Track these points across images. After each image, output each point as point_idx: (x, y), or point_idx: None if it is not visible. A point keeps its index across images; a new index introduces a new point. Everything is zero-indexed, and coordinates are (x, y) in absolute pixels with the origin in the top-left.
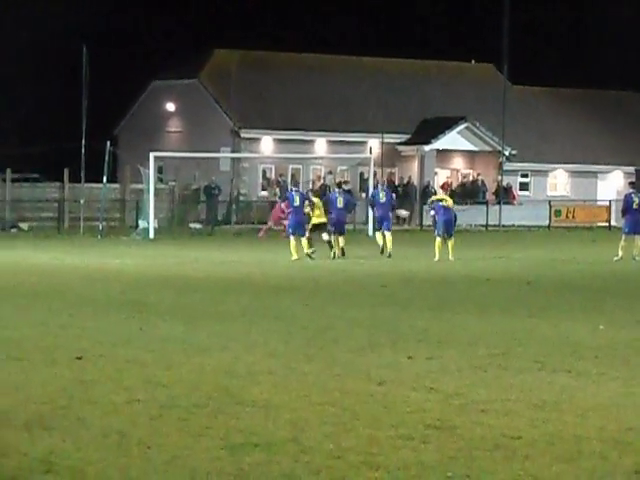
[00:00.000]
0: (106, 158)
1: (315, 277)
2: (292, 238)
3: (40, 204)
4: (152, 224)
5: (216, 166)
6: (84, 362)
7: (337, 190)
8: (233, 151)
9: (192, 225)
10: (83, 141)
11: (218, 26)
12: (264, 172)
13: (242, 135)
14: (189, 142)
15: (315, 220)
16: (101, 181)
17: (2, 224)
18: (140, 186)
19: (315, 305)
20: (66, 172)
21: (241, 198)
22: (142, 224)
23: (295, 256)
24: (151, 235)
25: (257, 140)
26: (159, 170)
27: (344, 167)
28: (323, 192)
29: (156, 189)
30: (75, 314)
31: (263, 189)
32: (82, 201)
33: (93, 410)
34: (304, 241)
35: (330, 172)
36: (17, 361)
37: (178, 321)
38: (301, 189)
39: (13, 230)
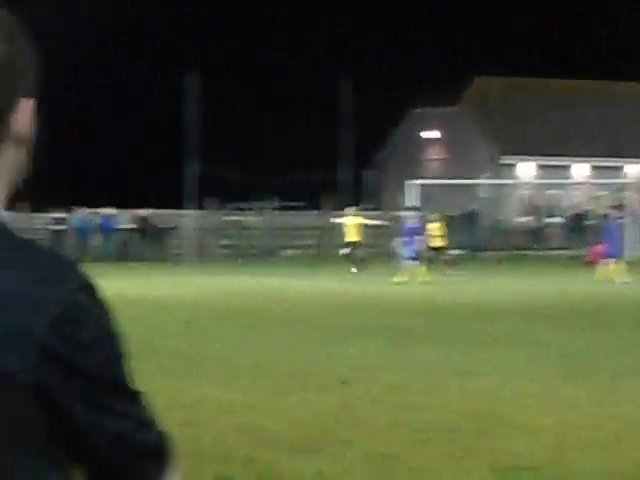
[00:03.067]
0: (366, 185)
1: (572, 302)
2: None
3: (302, 232)
4: None
5: (476, 192)
6: (349, 386)
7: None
8: (493, 177)
9: (451, 252)
10: (344, 169)
11: (478, 52)
12: (524, 198)
13: (502, 161)
14: (449, 169)
15: (434, 244)
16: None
17: (267, 251)
18: (400, 213)
19: (572, 331)
20: (325, 200)
21: (501, 224)
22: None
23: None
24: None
25: (517, 166)
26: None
27: (604, 192)
28: (581, 218)
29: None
30: (339, 340)
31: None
32: None
33: (358, 433)
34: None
35: (597, 197)
36: (284, 385)
37: (439, 346)
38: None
39: (276, 257)
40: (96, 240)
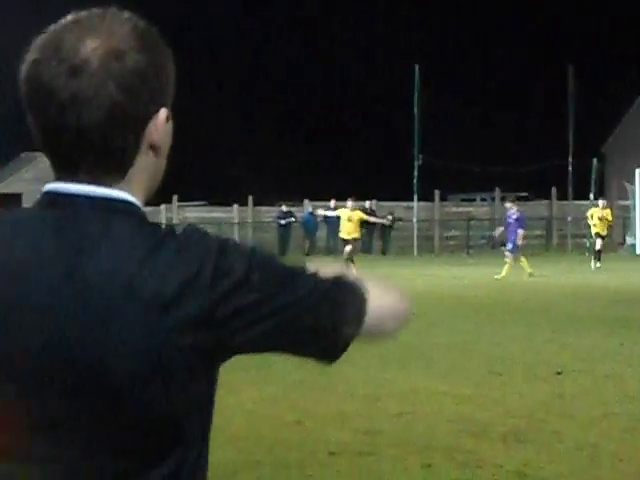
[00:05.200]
0: (592, 175)
1: None
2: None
3: (528, 222)
4: (639, 240)
5: None
6: (563, 377)
7: None
8: None
9: None
10: (570, 159)
11: None
12: None
13: None
14: None
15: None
16: (588, 198)
17: (492, 243)
18: (626, 202)
19: None
20: (553, 190)
21: None
22: (629, 240)
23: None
24: (638, 251)
25: None
26: None
27: None
28: None
29: None
30: (558, 330)
31: None
32: (569, 218)
33: (569, 424)
34: None
35: None
36: (498, 376)
37: None
38: None
39: (502, 248)
40: (322, 233)
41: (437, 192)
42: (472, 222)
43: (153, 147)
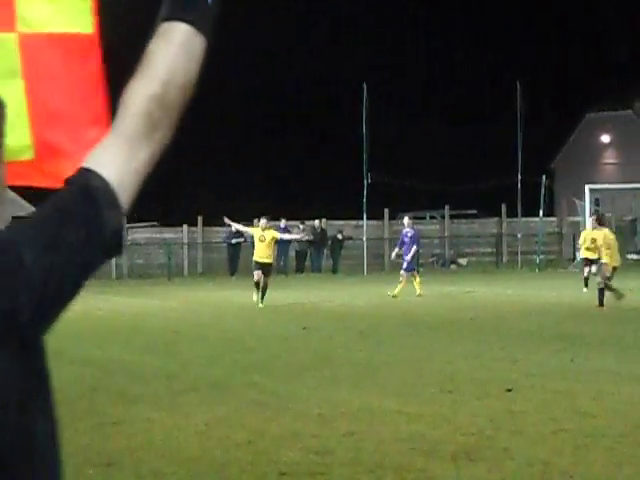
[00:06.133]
0: (542, 192)
1: None
2: None
3: (478, 239)
4: None
5: None
6: (514, 394)
7: None
8: None
9: (629, 256)
10: (519, 176)
11: None
12: None
13: None
14: (625, 173)
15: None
16: (538, 215)
17: (442, 260)
18: (577, 219)
19: None
20: (503, 207)
21: None
22: (579, 256)
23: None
24: None
25: None
26: (595, 202)
27: None
28: None
29: None
30: (508, 346)
31: None
32: (519, 235)
33: (519, 440)
34: None
35: None
36: (449, 394)
37: (610, 352)
38: None
39: (452, 266)
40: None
41: (386, 210)
42: (422, 240)
43: None
